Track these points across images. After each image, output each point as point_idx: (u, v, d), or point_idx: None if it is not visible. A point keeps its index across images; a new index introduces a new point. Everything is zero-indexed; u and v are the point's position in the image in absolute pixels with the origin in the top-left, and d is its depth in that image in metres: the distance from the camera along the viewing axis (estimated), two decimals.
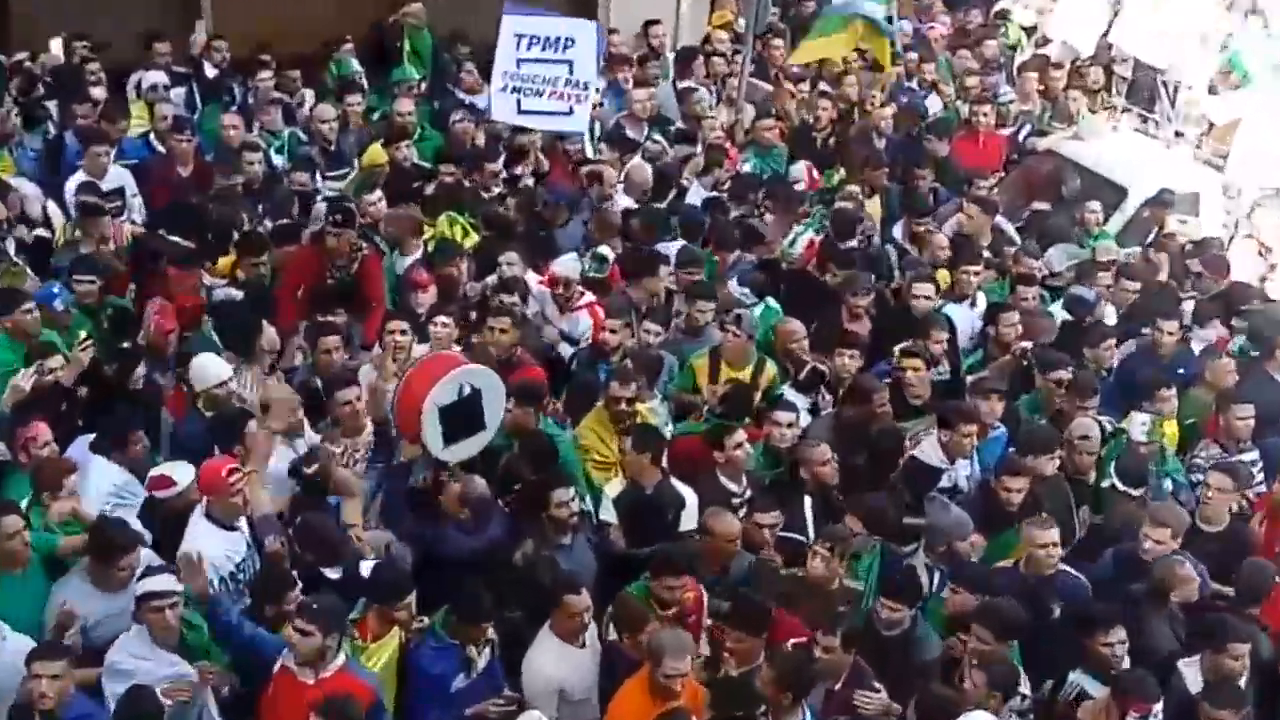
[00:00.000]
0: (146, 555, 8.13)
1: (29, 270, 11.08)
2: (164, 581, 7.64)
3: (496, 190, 12.90)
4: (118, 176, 12.39)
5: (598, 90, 13.51)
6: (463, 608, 7.96)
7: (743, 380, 10.46)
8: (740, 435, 9.64)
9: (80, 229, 11.46)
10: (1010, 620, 8.23)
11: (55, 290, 10.35)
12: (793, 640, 8.11)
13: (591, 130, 13.89)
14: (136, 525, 8.42)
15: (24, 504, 8.40)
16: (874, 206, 13.44)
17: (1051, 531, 8.89)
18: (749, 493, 9.55)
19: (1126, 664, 8.25)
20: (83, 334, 9.78)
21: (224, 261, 11.48)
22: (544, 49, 12.98)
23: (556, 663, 8.07)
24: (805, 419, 10.31)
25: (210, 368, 9.70)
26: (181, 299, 10.60)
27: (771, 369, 10.75)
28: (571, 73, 12.97)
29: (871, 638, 8.31)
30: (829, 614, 8.20)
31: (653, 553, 8.68)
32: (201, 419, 9.54)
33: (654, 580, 8.39)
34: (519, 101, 13.10)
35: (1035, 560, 8.90)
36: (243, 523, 8.50)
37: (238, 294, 11.20)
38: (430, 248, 11.98)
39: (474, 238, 12.21)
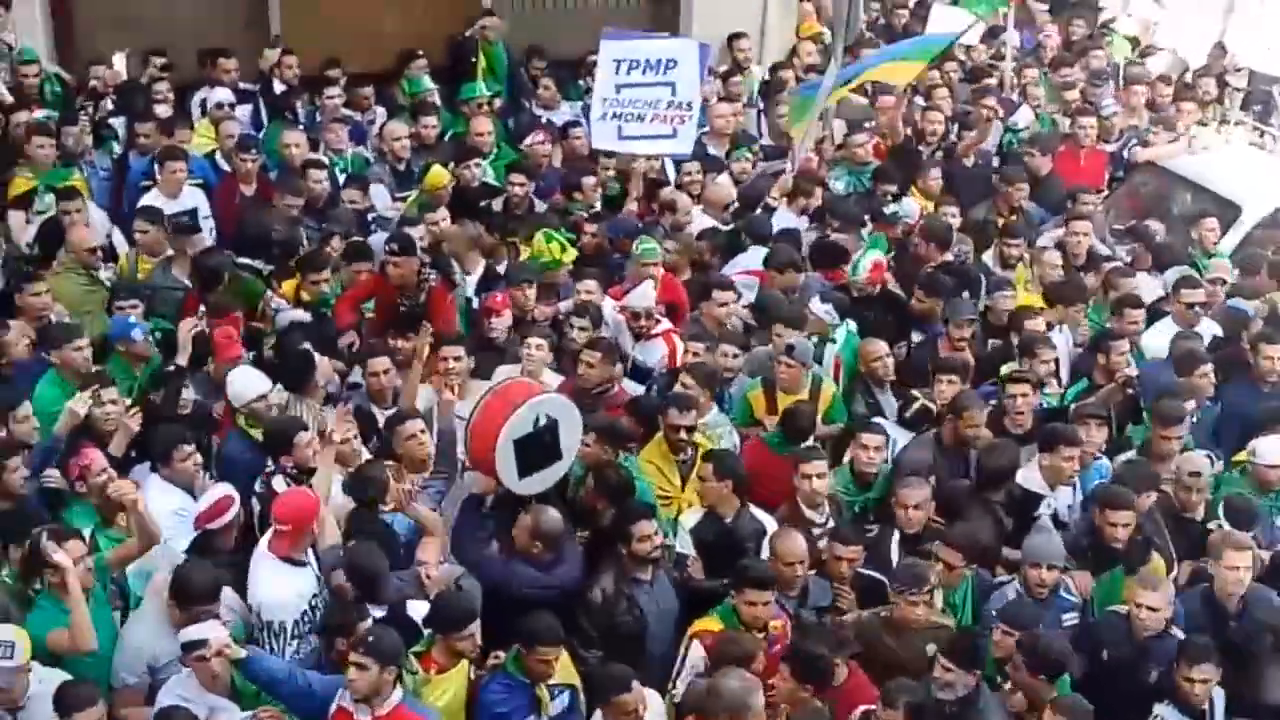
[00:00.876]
0: (230, 598, 8.17)
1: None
2: (205, 630, 7.54)
3: (597, 207, 12.94)
4: (191, 197, 12.38)
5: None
6: (531, 632, 7.82)
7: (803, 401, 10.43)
8: (820, 465, 9.51)
9: (174, 247, 11.51)
10: (1046, 654, 7.99)
11: (132, 321, 10.34)
12: (863, 708, 7.90)
13: None
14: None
15: (88, 532, 8.38)
16: None
17: (1154, 595, 8.51)
18: (830, 522, 9.43)
19: (1218, 707, 8.14)
20: (128, 400, 9.65)
21: (288, 285, 11.47)
22: (644, 72, 12.98)
23: None
24: (903, 439, 10.33)
25: (247, 383, 9.74)
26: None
27: (829, 390, 10.72)
28: (674, 94, 12.97)
29: (929, 703, 7.89)
30: (916, 657, 8.10)
31: (735, 570, 8.55)
32: (244, 437, 9.60)
33: (737, 595, 8.32)
34: (619, 128, 13.08)
35: (1133, 618, 8.56)
36: (310, 556, 8.39)
37: (304, 315, 11.16)
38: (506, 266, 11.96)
39: (572, 253, 12.17)
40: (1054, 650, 8.04)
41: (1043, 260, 12.43)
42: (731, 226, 12.73)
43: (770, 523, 9.27)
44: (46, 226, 11.69)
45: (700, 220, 12.80)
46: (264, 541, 8.38)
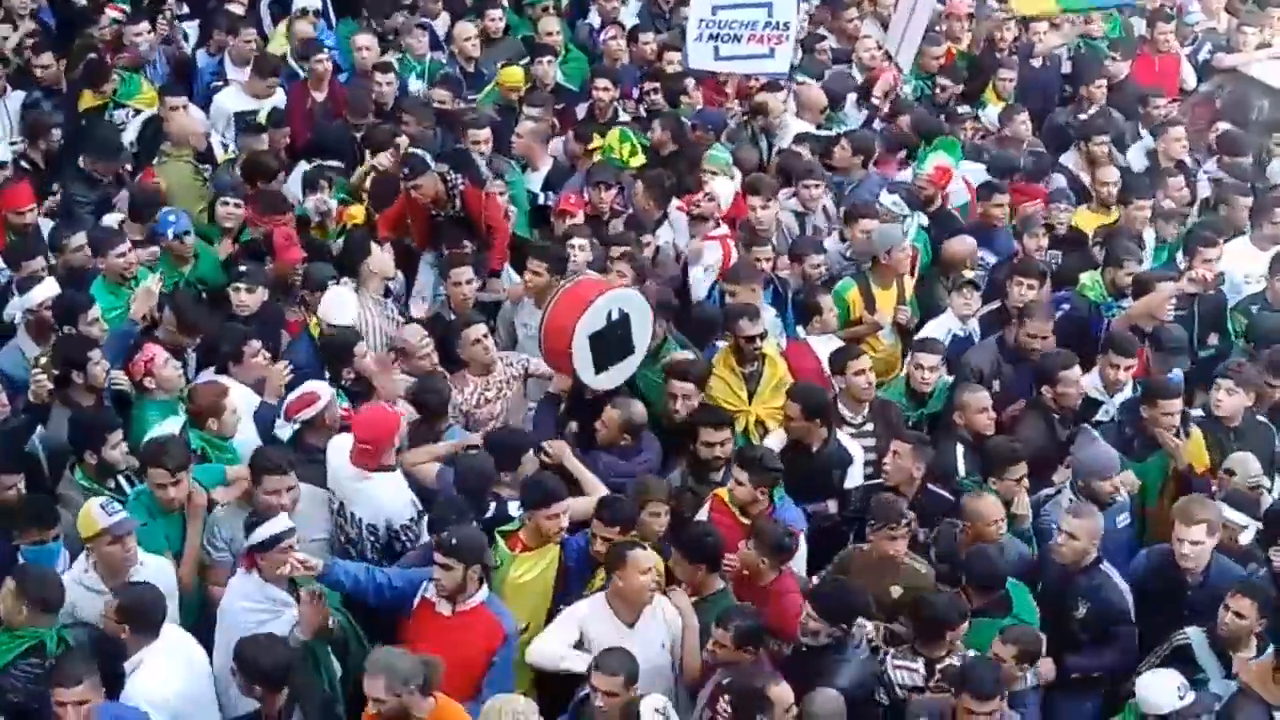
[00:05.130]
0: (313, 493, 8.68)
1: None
2: (275, 525, 7.96)
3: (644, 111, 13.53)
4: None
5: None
6: (602, 509, 8.46)
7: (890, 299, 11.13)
8: (865, 361, 10.03)
9: (240, 147, 12.33)
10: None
11: (170, 219, 10.75)
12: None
13: None
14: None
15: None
16: None
17: (1194, 529, 8.65)
18: (868, 425, 9.92)
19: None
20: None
21: (357, 209, 11.83)
22: None
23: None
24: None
25: (341, 308, 10.10)
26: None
27: (909, 282, 11.40)
28: (771, 15, 13.50)
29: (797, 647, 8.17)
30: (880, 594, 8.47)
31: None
32: (311, 342, 10.12)
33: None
34: (716, 48, 13.63)
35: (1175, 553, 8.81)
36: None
37: None
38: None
39: (641, 158, 12.68)
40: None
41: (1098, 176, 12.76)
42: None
43: (857, 451, 9.66)
44: (146, 125, 12.54)
45: (794, 124, 13.43)
46: (346, 464, 8.78)
